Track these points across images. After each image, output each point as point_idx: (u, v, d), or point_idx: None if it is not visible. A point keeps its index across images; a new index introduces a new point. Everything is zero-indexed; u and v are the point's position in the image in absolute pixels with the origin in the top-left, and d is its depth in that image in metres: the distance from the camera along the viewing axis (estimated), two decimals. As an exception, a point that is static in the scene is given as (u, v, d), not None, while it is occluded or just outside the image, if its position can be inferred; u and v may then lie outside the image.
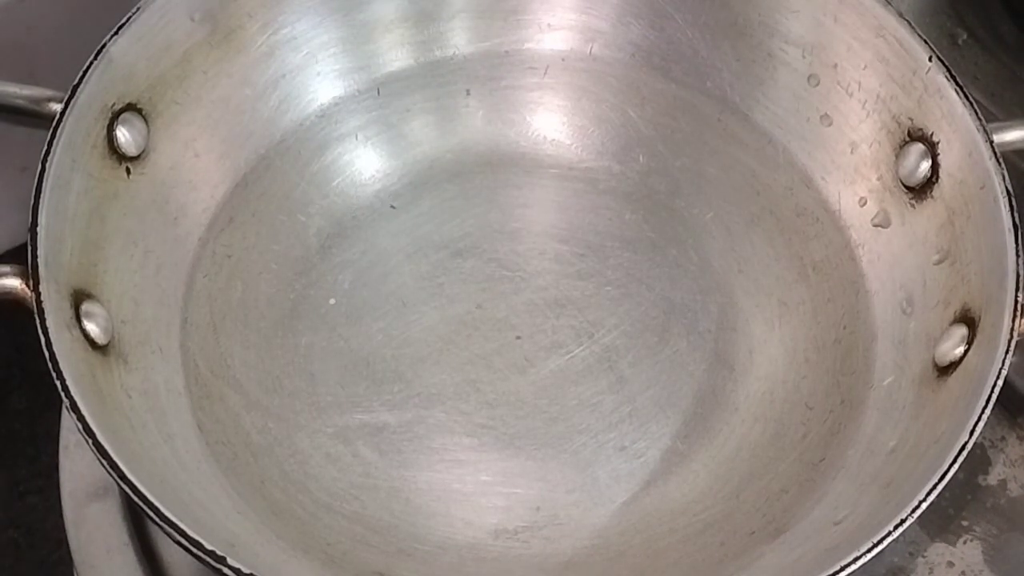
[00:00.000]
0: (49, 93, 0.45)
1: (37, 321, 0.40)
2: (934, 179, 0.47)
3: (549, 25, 0.55)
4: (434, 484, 0.46)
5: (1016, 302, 0.42)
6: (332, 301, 0.50)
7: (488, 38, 0.55)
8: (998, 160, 0.45)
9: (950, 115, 0.47)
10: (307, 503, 0.45)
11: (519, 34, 0.55)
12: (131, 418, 0.42)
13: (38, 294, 0.40)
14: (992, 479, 0.49)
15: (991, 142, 0.45)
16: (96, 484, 0.49)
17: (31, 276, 0.41)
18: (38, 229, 0.42)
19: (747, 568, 0.43)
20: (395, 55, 0.54)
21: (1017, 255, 0.43)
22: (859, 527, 0.40)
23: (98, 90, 0.45)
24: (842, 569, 0.38)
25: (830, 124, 0.51)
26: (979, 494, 0.48)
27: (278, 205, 0.51)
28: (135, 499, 0.37)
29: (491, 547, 0.45)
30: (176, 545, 0.37)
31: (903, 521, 0.38)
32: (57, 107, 0.44)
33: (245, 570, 0.37)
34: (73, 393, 0.39)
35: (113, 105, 0.46)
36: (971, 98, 0.46)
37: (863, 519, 0.41)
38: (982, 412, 0.40)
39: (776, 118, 0.52)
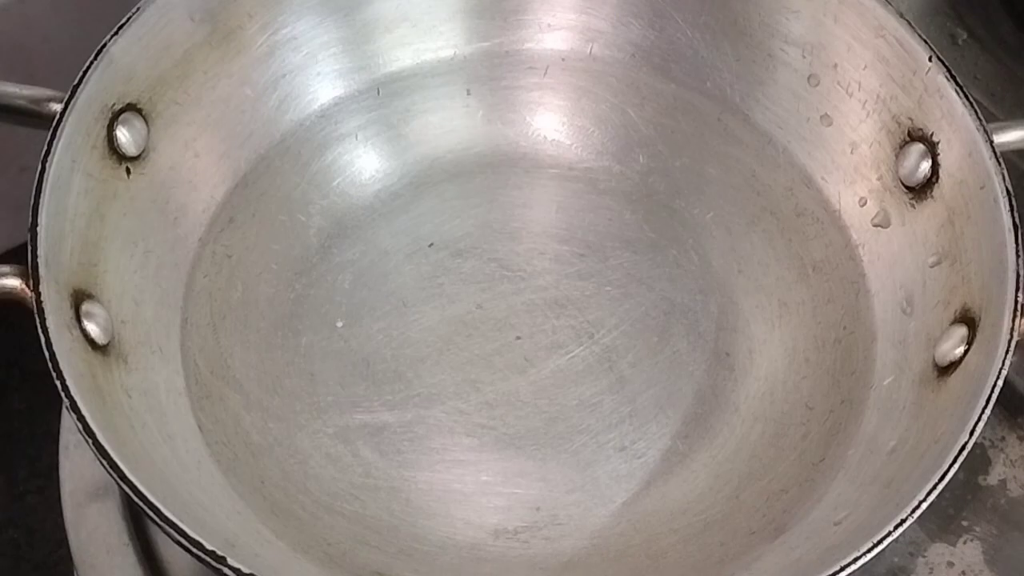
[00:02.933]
0: (49, 93, 0.45)
1: (37, 321, 0.40)
2: (934, 179, 0.47)
3: (549, 25, 0.55)
4: (434, 484, 0.46)
5: (1016, 302, 0.42)
6: (339, 324, 0.50)
7: (488, 38, 0.55)
8: (998, 160, 0.45)
9: (950, 115, 0.47)
10: (307, 503, 0.45)
11: (519, 34, 0.55)
12: (131, 418, 0.42)
13: (38, 294, 0.40)
14: (992, 479, 0.49)
15: (991, 142, 0.45)
16: (96, 484, 0.49)
17: (31, 276, 0.41)
18: (38, 229, 0.42)
19: (747, 568, 0.43)
20: (395, 55, 0.54)
21: (1017, 255, 0.43)
22: (859, 527, 0.40)
23: (98, 90, 0.45)
24: (842, 569, 0.38)
25: (830, 124, 0.51)
26: (979, 494, 0.48)
27: (278, 205, 0.51)
28: (135, 499, 0.37)
29: (491, 547, 0.45)
30: (176, 545, 0.37)
31: (903, 521, 0.38)
32: (57, 107, 0.44)
33: (245, 570, 0.37)
34: (73, 393, 0.39)
35: (113, 105, 0.46)
36: (971, 98, 0.46)
37: (863, 519, 0.41)
38: (982, 412, 0.40)
39: (776, 118, 0.52)
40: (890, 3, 0.48)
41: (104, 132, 0.46)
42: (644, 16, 0.54)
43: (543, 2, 0.54)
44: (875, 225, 0.49)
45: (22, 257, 0.41)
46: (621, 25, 0.54)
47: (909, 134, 0.48)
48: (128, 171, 0.47)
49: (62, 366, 0.39)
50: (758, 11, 0.52)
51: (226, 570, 0.37)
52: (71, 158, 0.44)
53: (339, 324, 0.49)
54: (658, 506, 0.46)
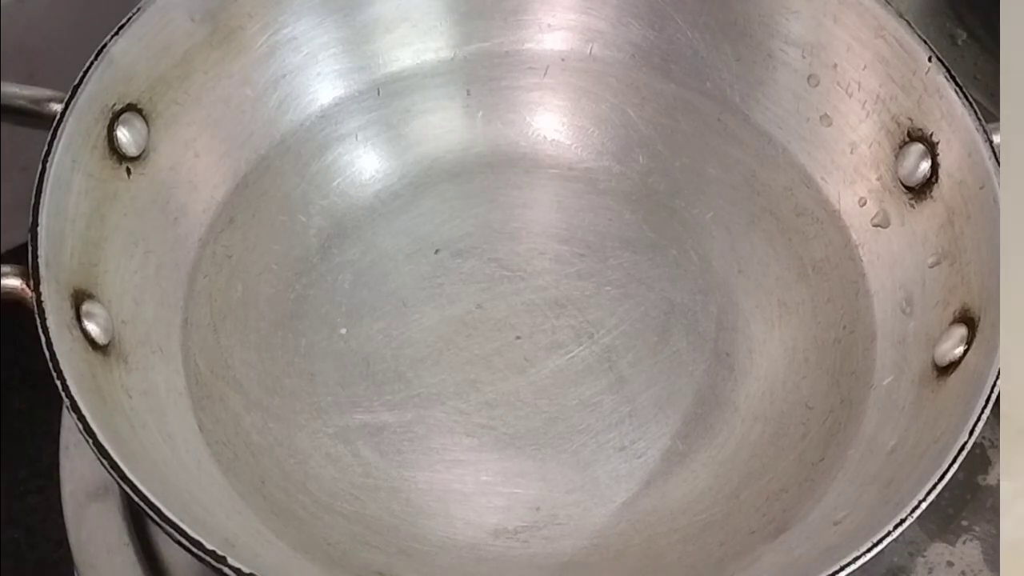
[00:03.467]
0: (49, 93, 0.45)
1: (37, 321, 0.40)
2: (934, 179, 0.47)
3: (549, 25, 0.55)
4: (434, 484, 0.46)
5: (1016, 302, 0.42)
6: (342, 331, 0.49)
7: (488, 38, 0.55)
8: (998, 160, 0.45)
9: (950, 115, 0.47)
10: (307, 503, 0.45)
11: (519, 34, 0.55)
12: (131, 418, 0.42)
13: (38, 294, 0.41)
14: (992, 479, 0.49)
15: (991, 142, 0.45)
16: (96, 484, 0.49)
17: (31, 276, 0.41)
18: (38, 229, 0.42)
19: (747, 568, 0.43)
20: (395, 55, 0.54)
21: (1017, 255, 0.43)
22: (859, 527, 0.40)
23: (98, 90, 0.45)
24: (842, 569, 0.38)
25: (830, 124, 0.51)
26: (979, 494, 0.48)
27: (278, 205, 0.51)
28: (135, 499, 0.37)
29: (491, 547, 0.45)
30: (176, 545, 0.37)
31: (903, 521, 0.38)
32: (57, 107, 0.44)
33: (245, 570, 0.37)
34: (73, 393, 0.39)
35: (113, 105, 0.46)
36: (971, 98, 0.46)
37: (863, 519, 0.41)
38: (981, 412, 0.40)
39: (776, 118, 0.52)
40: (890, 3, 0.48)
41: (104, 132, 0.46)
42: (644, 16, 0.54)
43: (543, 2, 0.54)
44: (875, 225, 0.49)
45: (22, 257, 0.41)
46: (621, 25, 0.54)
47: (909, 134, 0.48)
48: (128, 171, 0.47)
49: (62, 366, 0.39)
50: (758, 11, 0.52)
51: (226, 570, 0.37)
52: (71, 158, 0.44)
53: (343, 331, 0.49)
54: (658, 506, 0.46)
